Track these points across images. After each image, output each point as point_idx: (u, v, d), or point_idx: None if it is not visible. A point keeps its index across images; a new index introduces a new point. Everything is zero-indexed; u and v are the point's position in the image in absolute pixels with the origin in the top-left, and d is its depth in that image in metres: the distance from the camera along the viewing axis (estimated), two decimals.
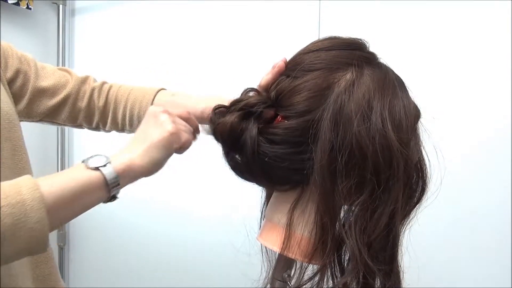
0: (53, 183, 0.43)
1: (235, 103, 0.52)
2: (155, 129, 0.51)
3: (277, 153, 0.48)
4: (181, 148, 0.53)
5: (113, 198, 0.49)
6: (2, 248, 0.38)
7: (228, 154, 0.53)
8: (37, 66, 0.70)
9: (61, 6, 1.54)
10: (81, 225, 1.64)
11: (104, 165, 0.46)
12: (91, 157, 0.47)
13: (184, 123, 0.55)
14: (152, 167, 0.50)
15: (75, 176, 0.45)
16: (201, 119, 0.63)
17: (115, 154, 0.48)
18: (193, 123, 0.58)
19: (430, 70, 1.01)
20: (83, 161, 0.47)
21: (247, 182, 0.54)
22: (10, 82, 0.66)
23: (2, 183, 0.40)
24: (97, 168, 0.46)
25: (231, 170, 0.54)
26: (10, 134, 0.59)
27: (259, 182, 0.54)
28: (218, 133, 0.51)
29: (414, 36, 1.03)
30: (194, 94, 0.70)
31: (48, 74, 0.71)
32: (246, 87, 0.55)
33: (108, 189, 0.46)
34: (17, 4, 1.40)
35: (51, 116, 0.72)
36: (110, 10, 1.54)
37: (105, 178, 0.46)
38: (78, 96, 0.73)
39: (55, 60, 1.56)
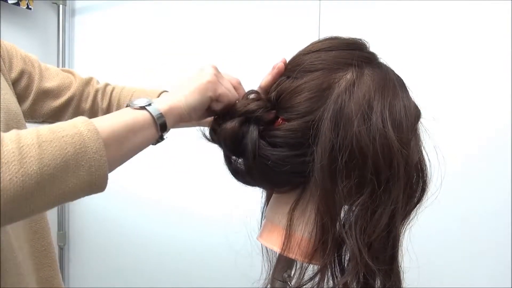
0: (103, 121, 0.43)
1: (235, 109, 0.52)
2: (196, 77, 0.53)
3: (278, 156, 0.48)
4: (217, 99, 0.53)
5: (161, 138, 0.50)
6: (68, 180, 0.38)
7: (229, 158, 0.53)
8: (41, 67, 0.70)
9: (61, 6, 1.54)
10: (81, 225, 1.64)
11: (149, 104, 0.48)
12: (134, 100, 0.48)
13: (228, 82, 0.56)
14: (189, 111, 0.50)
15: (123, 116, 0.46)
16: (207, 122, 0.63)
17: (156, 99, 0.51)
18: (239, 92, 0.58)
19: (430, 70, 1.01)
20: (127, 105, 0.48)
21: (248, 186, 0.54)
22: (15, 83, 0.66)
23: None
24: (142, 107, 0.47)
25: (232, 175, 0.54)
26: None
27: (259, 185, 0.55)
28: (220, 139, 0.51)
29: (414, 36, 1.03)
30: None
31: (52, 75, 0.71)
32: (247, 90, 0.56)
33: (156, 127, 0.48)
34: (17, 4, 1.40)
35: (54, 117, 0.72)
36: (110, 10, 1.54)
37: (151, 115, 0.47)
38: (82, 98, 0.74)
39: (55, 60, 1.56)
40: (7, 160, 0.35)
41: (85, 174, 0.39)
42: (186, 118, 0.51)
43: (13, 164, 0.35)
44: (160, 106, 0.48)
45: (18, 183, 0.35)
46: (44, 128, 0.39)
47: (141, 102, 0.48)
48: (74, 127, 0.40)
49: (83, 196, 0.42)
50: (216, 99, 0.52)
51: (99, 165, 0.40)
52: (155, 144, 0.52)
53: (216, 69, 0.55)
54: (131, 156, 0.48)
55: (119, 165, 0.46)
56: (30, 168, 0.35)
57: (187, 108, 0.50)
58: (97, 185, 0.41)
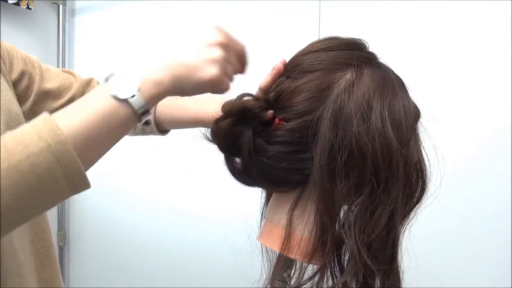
0: (73, 121, 0.38)
1: (230, 108, 0.51)
2: (200, 61, 0.45)
3: (275, 153, 0.48)
4: (215, 92, 0.48)
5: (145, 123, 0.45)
6: (41, 198, 0.36)
7: (228, 158, 0.53)
8: (41, 68, 0.70)
9: (61, 6, 1.54)
10: (81, 225, 1.64)
11: (132, 96, 0.41)
12: (113, 81, 0.41)
13: (230, 66, 0.49)
14: (177, 95, 0.45)
15: (98, 110, 0.40)
16: (209, 124, 0.63)
17: (143, 76, 0.43)
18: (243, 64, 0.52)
19: (430, 70, 1.01)
20: (105, 80, 0.42)
21: (247, 186, 0.54)
22: (15, 84, 0.66)
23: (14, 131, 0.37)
24: (124, 100, 0.41)
25: (231, 175, 0.54)
26: None
27: (258, 185, 0.55)
28: (215, 138, 0.51)
29: (414, 36, 1.03)
30: (198, 97, 0.70)
31: (52, 76, 0.71)
32: (241, 93, 0.53)
33: (138, 118, 0.42)
34: (17, 4, 1.40)
35: None
36: (110, 10, 1.54)
37: (134, 109, 0.41)
38: None
39: (55, 60, 1.56)
40: None
41: (63, 189, 0.37)
42: (180, 95, 0.47)
43: None
44: (147, 94, 0.42)
45: None
46: (3, 143, 0.35)
47: (123, 90, 0.41)
48: (40, 140, 0.35)
49: (66, 198, 0.40)
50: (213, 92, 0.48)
51: (77, 174, 0.38)
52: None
53: (226, 49, 0.47)
54: (107, 151, 0.43)
55: (95, 162, 0.42)
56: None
57: (182, 91, 0.45)
58: (79, 188, 0.39)
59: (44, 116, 0.38)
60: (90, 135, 0.39)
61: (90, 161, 0.40)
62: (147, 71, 0.44)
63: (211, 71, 0.45)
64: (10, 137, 0.36)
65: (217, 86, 0.47)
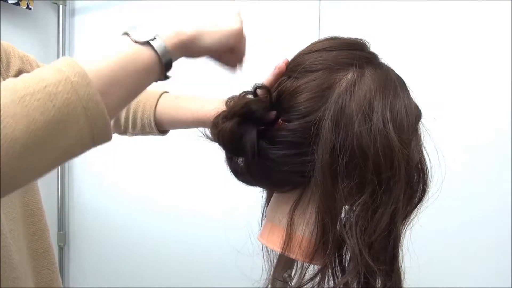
0: (95, 60, 0.37)
1: (234, 108, 0.51)
2: (223, 19, 0.48)
3: (278, 155, 0.48)
4: (232, 51, 0.48)
5: (165, 77, 0.43)
6: (63, 136, 0.33)
7: (231, 159, 0.53)
8: (39, 67, 0.70)
9: (61, 6, 1.54)
10: (81, 225, 1.64)
11: (154, 38, 0.40)
12: (134, 27, 0.40)
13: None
14: (199, 49, 0.45)
15: (120, 52, 0.38)
16: (209, 124, 0.63)
17: (164, 26, 0.42)
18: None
19: (431, 70, 1.01)
20: (125, 33, 0.41)
21: (248, 185, 0.54)
22: None
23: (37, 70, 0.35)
24: (145, 42, 0.39)
25: (232, 175, 0.54)
26: None
27: (260, 185, 0.55)
28: (220, 139, 0.51)
29: (414, 36, 1.03)
30: (198, 97, 0.69)
31: None
32: (253, 84, 0.53)
33: (160, 66, 0.41)
34: (17, 4, 1.40)
35: None
36: (110, 10, 1.54)
37: (156, 52, 0.40)
38: None
39: (55, 60, 1.56)
40: None
41: (82, 127, 0.34)
42: (191, 55, 0.46)
43: None
44: (168, 40, 0.41)
45: (2, 150, 0.30)
46: (20, 79, 0.33)
47: (145, 33, 0.40)
48: (58, 72, 0.34)
49: (89, 149, 0.36)
50: (232, 50, 0.49)
51: (97, 114, 0.34)
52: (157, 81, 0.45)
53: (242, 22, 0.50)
54: (129, 102, 0.41)
55: (118, 112, 0.40)
56: (12, 131, 0.30)
57: (199, 46, 0.44)
58: (100, 136, 0.36)
59: (63, 57, 0.37)
60: (111, 74, 0.37)
61: (110, 107, 0.36)
62: (168, 23, 0.44)
63: (238, 20, 0.48)
64: (28, 74, 0.34)
65: (240, 37, 0.48)
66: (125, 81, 0.38)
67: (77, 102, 0.33)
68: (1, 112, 0.30)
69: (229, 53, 0.49)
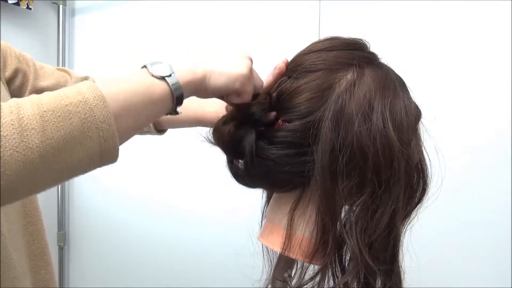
0: (113, 88, 0.40)
1: (233, 112, 0.51)
2: (232, 61, 0.49)
3: (278, 156, 0.48)
4: (238, 94, 0.50)
5: (174, 112, 0.46)
6: (75, 152, 0.35)
7: (232, 162, 0.53)
8: (36, 66, 0.69)
9: (61, 6, 1.54)
10: (81, 225, 1.64)
11: (169, 75, 0.43)
12: (153, 63, 0.44)
13: (254, 84, 0.52)
14: (208, 90, 0.48)
15: (137, 84, 0.42)
16: (208, 123, 0.63)
17: (178, 64, 0.46)
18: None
19: (430, 70, 1.01)
20: (144, 66, 0.45)
21: (249, 188, 0.54)
22: (9, 82, 0.65)
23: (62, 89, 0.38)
24: (162, 78, 0.43)
25: (233, 177, 0.54)
26: None
27: (260, 187, 0.55)
28: (220, 142, 0.51)
29: (414, 36, 1.03)
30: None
31: (47, 74, 0.71)
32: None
33: (173, 100, 0.44)
34: (17, 4, 1.40)
35: None
36: (110, 10, 1.54)
37: (170, 88, 0.43)
38: None
39: (55, 60, 1.56)
40: (7, 133, 0.32)
41: (94, 145, 0.37)
42: (201, 95, 0.49)
43: (13, 137, 0.32)
44: (181, 78, 0.44)
45: (20, 158, 0.32)
46: (45, 96, 0.36)
47: (162, 69, 0.43)
48: (79, 94, 0.37)
49: (94, 168, 0.39)
50: (238, 93, 0.50)
51: (108, 135, 0.37)
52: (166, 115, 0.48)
53: (252, 61, 0.52)
54: (140, 129, 0.44)
55: (128, 138, 0.43)
56: (32, 141, 0.33)
57: (206, 87, 0.47)
58: (108, 155, 0.38)
59: (85, 81, 0.40)
60: (127, 99, 0.40)
61: (120, 132, 0.39)
62: (182, 60, 0.47)
63: (247, 63, 0.50)
64: (52, 92, 0.37)
65: (247, 82, 0.49)
66: (138, 108, 0.41)
67: (92, 122, 0.36)
68: (25, 124, 0.33)
69: (235, 95, 0.51)
